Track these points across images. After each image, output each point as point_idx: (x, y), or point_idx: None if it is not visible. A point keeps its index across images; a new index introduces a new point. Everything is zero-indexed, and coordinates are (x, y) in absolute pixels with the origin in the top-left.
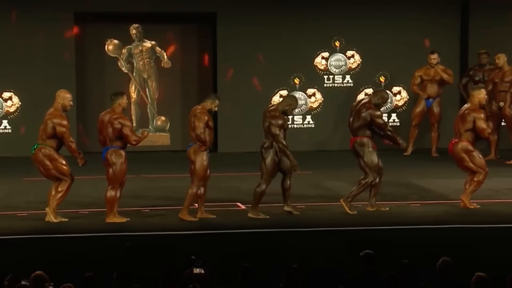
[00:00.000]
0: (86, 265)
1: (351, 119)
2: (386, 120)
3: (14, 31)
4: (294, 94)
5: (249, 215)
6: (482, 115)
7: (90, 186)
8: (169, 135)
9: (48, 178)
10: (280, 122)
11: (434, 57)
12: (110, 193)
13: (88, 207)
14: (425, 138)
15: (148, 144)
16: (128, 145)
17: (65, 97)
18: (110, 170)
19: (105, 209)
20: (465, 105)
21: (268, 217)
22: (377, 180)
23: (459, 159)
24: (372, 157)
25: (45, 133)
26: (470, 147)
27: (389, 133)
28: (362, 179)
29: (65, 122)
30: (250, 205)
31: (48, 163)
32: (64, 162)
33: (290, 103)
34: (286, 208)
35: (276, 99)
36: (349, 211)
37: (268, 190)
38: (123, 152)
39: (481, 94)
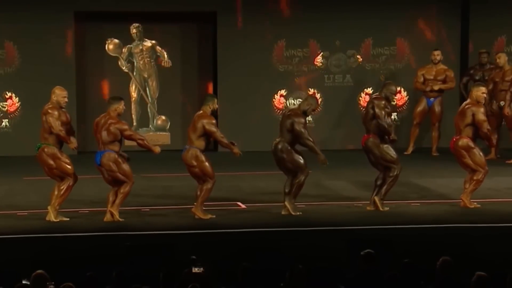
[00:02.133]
0: (86, 264)
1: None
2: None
3: (14, 31)
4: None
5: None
6: (482, 109)
7: (90, 185)
8: (169, 135)
9: (52, 178)
10: (303, 120)
11: (438, 53)
12: (124, 188)
13: (88, 207)
14: (425, 138)
15: None
16: (135, 144)
17: (59, 94)
18: (118, 174)
19: (105, 209)
20: (465, 101)
21: (300, 213)
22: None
23: (459, 155)
24: (390, 153)
25: (44, 130)
26: (471, 144)
27: (385, 125)
28: (388, 174)
29: (56, 113)
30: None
31: (51, 162)
32: (68, 161)
33: (310, 103)
34: (284, 212)
35: (276, 98)
36: (381, 208)
37: (269, 189)
38: (116, 154)
39: (478, 92)
